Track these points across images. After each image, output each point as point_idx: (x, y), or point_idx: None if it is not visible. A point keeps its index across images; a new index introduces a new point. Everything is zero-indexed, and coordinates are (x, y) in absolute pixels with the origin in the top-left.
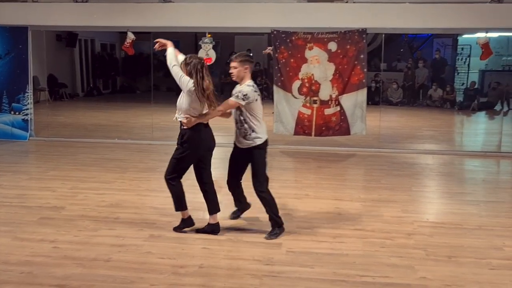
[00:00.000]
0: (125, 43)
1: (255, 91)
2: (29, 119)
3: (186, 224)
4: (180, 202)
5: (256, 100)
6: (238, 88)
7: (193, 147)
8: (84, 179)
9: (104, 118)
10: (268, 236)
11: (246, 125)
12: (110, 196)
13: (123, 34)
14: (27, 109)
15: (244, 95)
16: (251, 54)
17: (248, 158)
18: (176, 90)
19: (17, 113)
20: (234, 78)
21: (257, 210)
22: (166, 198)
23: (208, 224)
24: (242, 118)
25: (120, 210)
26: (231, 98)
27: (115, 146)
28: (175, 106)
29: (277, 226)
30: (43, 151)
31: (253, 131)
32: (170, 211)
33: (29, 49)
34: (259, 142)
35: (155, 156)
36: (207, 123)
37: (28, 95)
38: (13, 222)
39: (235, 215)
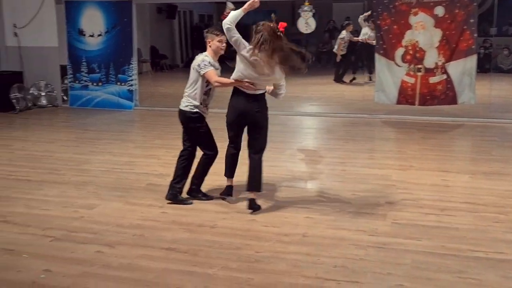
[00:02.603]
0: (224, 13)
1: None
2: (134, 89)
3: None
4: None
5: None
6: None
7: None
8: None
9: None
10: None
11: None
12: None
13: (220, 5)
14: (132, 80)
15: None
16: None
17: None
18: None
19: (122, 83)
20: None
21: (356, 182)
22: (267, 167)
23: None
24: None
25: (225, 179)
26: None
27: (215, 115)
28: None
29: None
30: (147, 120)
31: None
32: (273, 180)
33: (133, 22)
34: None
35: None
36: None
37: (132, 67)
38: (124, 188)
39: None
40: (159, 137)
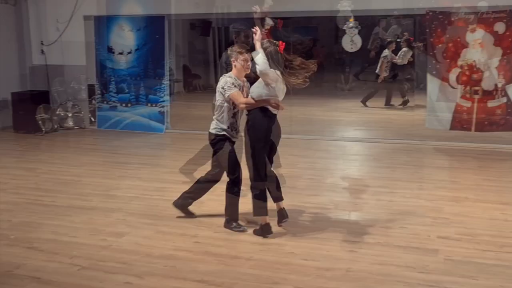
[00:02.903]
0: (263, 29)
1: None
2: (165, 111)
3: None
4: None
5: None
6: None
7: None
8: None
9: None
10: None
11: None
12: (249, 193)
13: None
14: (163, 101)
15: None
16: None
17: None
18: (314, 80)
19: (153, 105)
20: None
21: (405, 214)
22: (307, 197)
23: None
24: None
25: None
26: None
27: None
28: (315, 98)
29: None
30: (179, 144)
31: None
32: (313, 210)
33: (165, 39)
34: None
35: (295, 151)
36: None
37: (164, 87)
38: (154, 215)
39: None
40: (194, 162)
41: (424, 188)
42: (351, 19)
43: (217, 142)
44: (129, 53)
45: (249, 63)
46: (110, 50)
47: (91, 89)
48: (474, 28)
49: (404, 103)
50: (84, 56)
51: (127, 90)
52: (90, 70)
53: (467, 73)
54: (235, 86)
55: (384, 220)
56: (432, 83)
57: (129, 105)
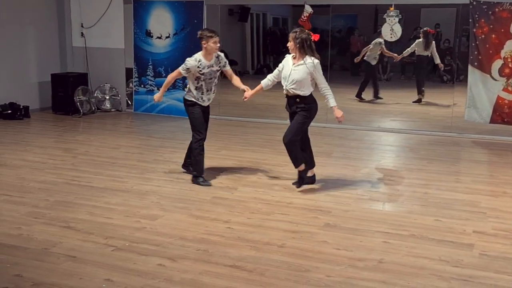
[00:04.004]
0: (302, 17)
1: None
2: None
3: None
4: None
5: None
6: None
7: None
8: (255, 160)
9: (274, 98)
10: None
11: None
12: (282, 180)
13: (296, 8)
14: None
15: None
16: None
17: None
18: (351, 69)
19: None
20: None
21: (440, 207)
22: (341, 186)
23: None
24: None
25: (294, 195)
26: None
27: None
28: (351, 86)
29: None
30: (214, 130)
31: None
32: (347, 200)
33: (204, 24)
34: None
35: (329, 140)
36: None
37: None
38: (188, 199)
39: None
40: (225, 148)
41: (461, 181)
42: (392, 8)
43: (187, 106)
44: (167, 37)
45: (218, 45)
46: (148, 34)
47: (128, 73)
48: None
49: (418, 100)
50: (123, 40)
51: (164, 74)
52: (128, 54)
53: (510, 65)
54: (198, 67)
55: (418, 212)
56: (473, 75)
57: None
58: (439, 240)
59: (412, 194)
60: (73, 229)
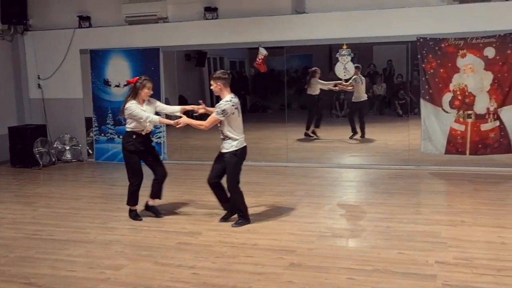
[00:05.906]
0: (257, 59)
1: (233, 105)
2: (162, 141)
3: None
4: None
5: (233, 113)
6: (218, 103)
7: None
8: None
9: None
10: (235, 224)
11: (224, 134)
12: None
13: (252, 51)
14: (160, 132)
15: (222, 111)
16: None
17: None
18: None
19: (150, 136)
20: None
21: (402, 239)
22: (305, 224)
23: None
24: (220, 128)
25: (258, 237)
26: (213, 115)
27: (250, 168)
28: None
29: (243, 219)
30: (176, 175)
31: (229, 138)
32: (310, 238)
33: (161, 70)
34: (233, 149)
35: (292, 179)
36: None
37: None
38: (152, 247)
39: (225, 217)
40: (188, 193)
41: (421, 213)
42: (345, 46)
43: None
44: (125, 85)
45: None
46: (106, 83)
47: (88, 122)
48: (464, 54)
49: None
50: (81, 90)
51: (124, 122)
52: (87, 103)
53: (459, 97)
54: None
55: (382, 246)
56: (426, 108)
57: None
58: (403, 273)
59: (374, 228)
60: (34, 285)
